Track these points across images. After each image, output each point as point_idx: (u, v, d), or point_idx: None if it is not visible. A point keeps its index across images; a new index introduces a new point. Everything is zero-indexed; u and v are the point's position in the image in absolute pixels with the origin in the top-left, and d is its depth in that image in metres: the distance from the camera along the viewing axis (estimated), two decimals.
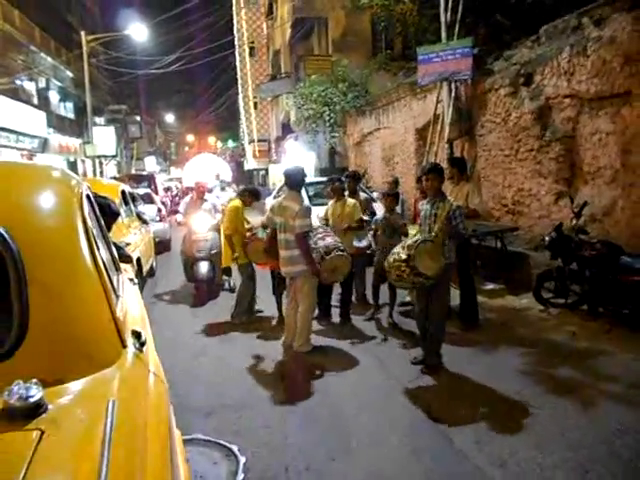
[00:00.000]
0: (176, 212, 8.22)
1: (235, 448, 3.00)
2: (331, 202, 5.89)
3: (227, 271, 6.75)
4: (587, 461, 2.81)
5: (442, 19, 8.71)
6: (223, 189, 12.00)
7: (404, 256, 3.83)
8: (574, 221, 5.46)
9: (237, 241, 5.71)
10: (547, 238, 5.59)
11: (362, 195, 6.62)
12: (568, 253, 5.36)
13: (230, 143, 51.64)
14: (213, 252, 6.67)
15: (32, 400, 1.11)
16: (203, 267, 6.70)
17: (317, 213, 9.33)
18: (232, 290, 6.77)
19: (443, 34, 8.75)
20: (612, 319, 4.96)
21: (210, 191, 8.82)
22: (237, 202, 5.98)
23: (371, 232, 5.89)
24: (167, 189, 20.71)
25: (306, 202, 4.68)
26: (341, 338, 5.03)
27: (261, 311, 5.99)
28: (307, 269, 4.48)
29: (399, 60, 14.17)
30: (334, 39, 17.88)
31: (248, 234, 5.76)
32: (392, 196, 5.73)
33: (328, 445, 3.10)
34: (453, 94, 8.76)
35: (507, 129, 7.76)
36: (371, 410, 3.55)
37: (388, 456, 2.97)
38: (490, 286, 6.51)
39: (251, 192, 6.22)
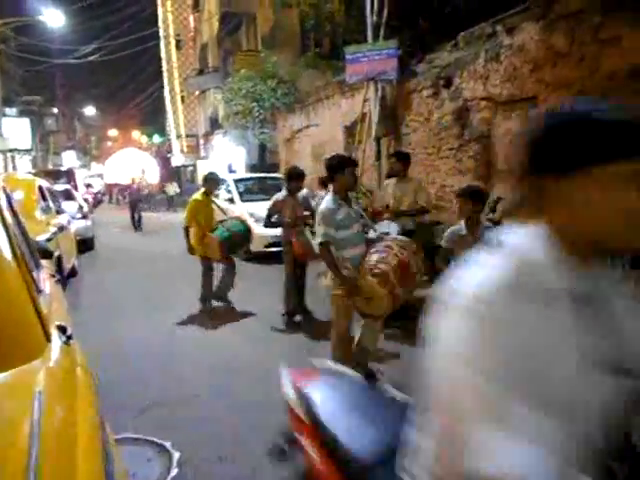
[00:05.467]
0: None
1: (168, 444, 2.97)
2: (284, 197, 5.44)
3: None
4: None
5: (368, 21, 8.96)
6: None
7: None
8: (490, 215, 5.87)
9: (194, 233, 5.85)
10: None
11: (301, 192, 6.69)
12: None
13: (156, 138, 49.73)
14: None
15: None
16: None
17: (247, 209, 9.30)
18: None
19: (369, 35, 9.00)
20: None
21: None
22: (198, 195, 6.03)
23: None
24: (88, 185, 19.70)
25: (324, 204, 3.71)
26: None
27: (229, 302, 6.09)
28: (330, 284, 3.65)
29: (328, 58, 14.34)
30: (263, 35, 17.80)
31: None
32: (477, 198, 3.61)
33: (263, 434, 3.14)
34: (379, 94, 9.04)
35: (430, 128, 8.14)
36: None
37: None
38: None
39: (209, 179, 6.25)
